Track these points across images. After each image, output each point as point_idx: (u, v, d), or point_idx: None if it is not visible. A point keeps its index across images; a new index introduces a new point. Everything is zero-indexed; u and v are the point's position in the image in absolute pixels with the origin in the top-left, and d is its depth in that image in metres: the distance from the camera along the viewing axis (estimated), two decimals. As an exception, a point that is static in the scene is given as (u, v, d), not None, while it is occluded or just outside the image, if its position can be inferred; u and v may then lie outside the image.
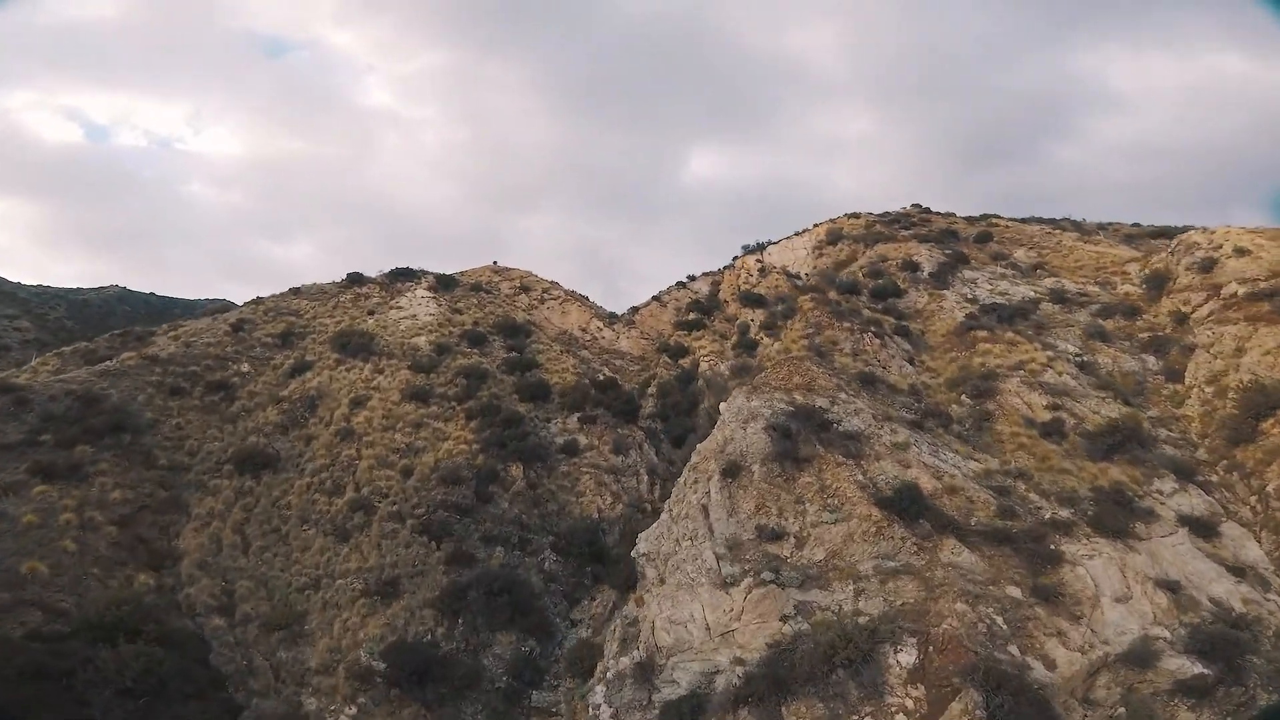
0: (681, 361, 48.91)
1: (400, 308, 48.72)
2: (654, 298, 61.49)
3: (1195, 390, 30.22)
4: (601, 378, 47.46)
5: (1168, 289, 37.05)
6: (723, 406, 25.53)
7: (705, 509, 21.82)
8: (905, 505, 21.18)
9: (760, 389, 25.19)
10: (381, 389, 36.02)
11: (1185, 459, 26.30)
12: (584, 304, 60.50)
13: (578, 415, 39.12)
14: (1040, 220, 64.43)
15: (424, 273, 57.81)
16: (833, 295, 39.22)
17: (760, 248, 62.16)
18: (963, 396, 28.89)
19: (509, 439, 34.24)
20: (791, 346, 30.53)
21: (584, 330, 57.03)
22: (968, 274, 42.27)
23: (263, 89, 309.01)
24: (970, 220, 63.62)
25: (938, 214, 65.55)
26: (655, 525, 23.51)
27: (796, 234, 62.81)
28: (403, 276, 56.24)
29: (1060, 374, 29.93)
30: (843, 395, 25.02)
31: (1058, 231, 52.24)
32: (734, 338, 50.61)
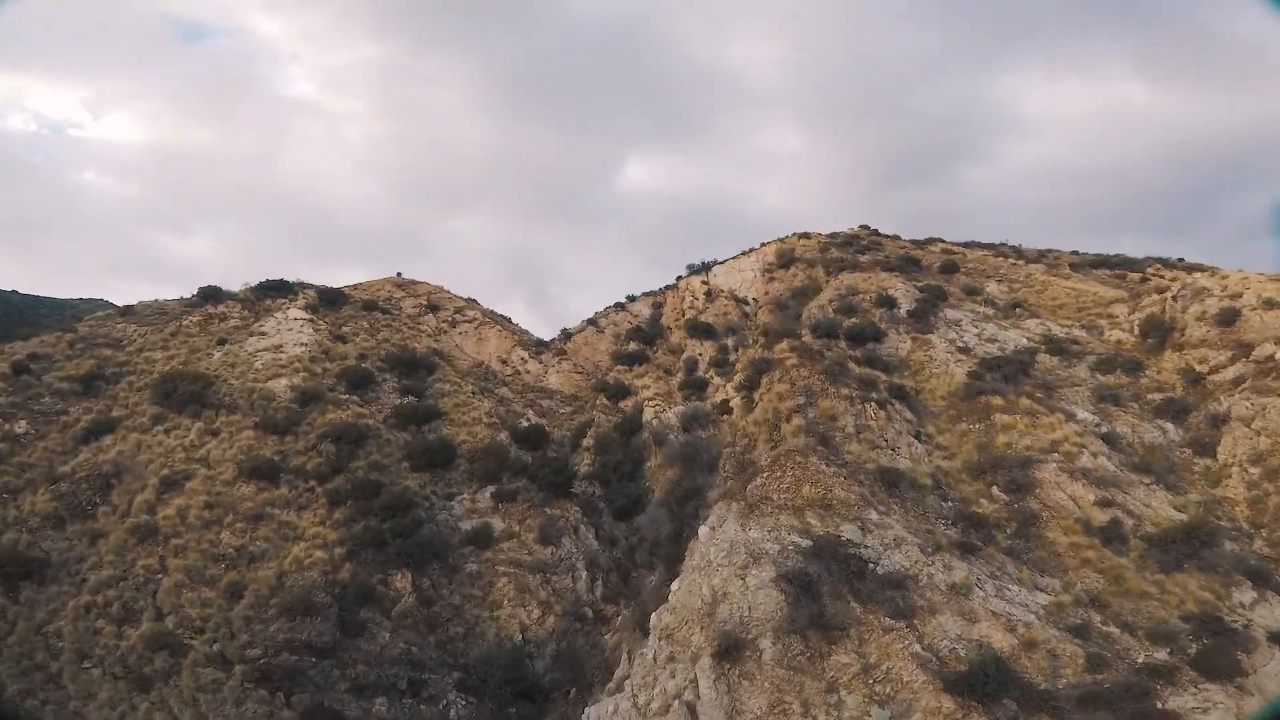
0: (622, 404, 41.86)
1: (264, 334, 38.23)
2: (589, 321, 54.04)
3: (1236, 470, 26.05)
4: (525, 424, 39.62)
5: (1173, 340, 33.19)
6: (704, 533, 18.60)
7: (692, 710, 14.87)
8: (984, 683, 15.12)
9: (758, 509, 18.47)
10: (211, 461, 26.72)
11: (1255, 560, 21.88)
12: (505, 328, 52.22)
13: (492, 489, 30.99)
14: (981, 245, 61.64)
15: (302, 286, 46.86)
16: (808, 340, 33.18)
17: (705, 268, 55.98)
18: (994, 489, 23.38)
19: (393, 533, 25.73)
20: (787, 433, 23.94)
21: (505, 362, 48.84)
22: (949, 313, 37.35)
23: (174, 75, 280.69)
24: (917, 243, 60.03)
25: (886, 236, 61.56)
26: (610, 709, 16.34)
27: (744, 253, 57.15)
28: (273, 291, 44.74)
29: (1096, 455, 25.01)
30: (872, 513, 18.74)
31: (1023, 263, 48.64)
32: (680, 374, 44.18)
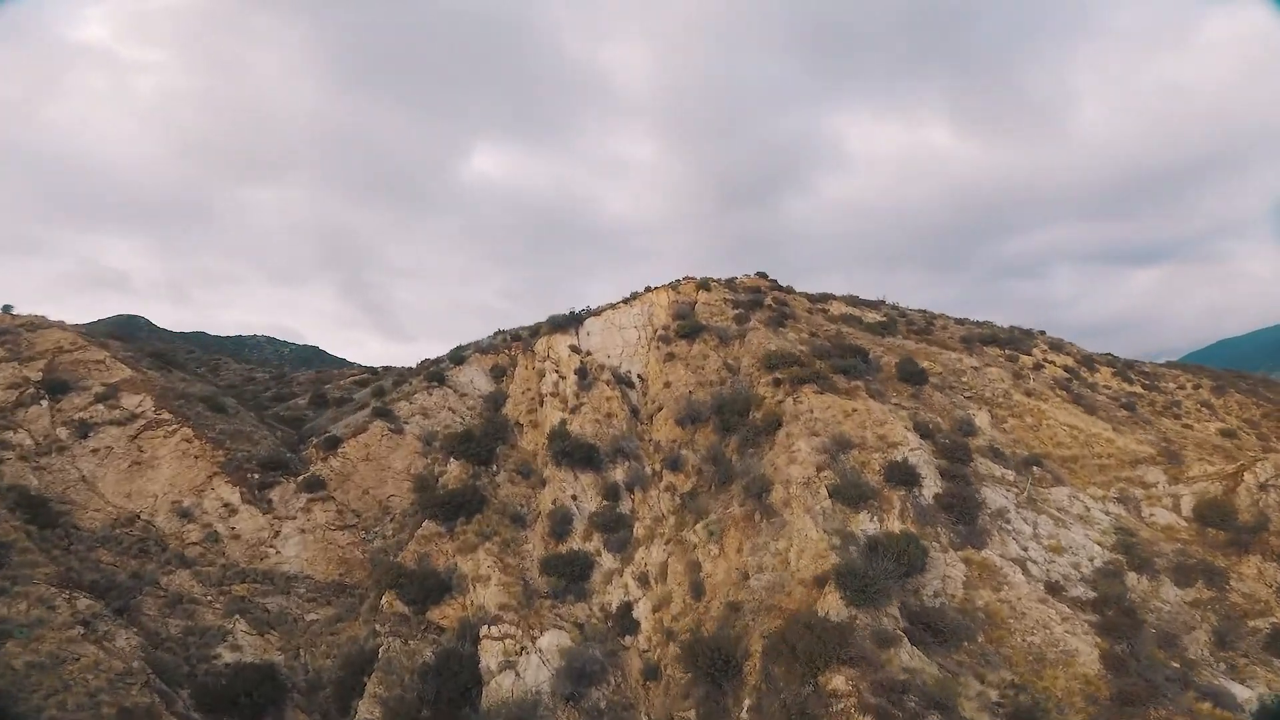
0: (437, 614, 22.84)
1: None
2: (378, 413, 33.69)
3: None
4: (219, 675, 19.52)
5: (1261, 542, 23.03)
6: None
7: None
8: None
9: None
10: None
11: None
12: (201, 432, 30.44)
13: None
14: (865, 302, 51.71)
15: None
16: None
17: (576, 320, 38.53)
18: None
19: None
20: None
21: (190, 514, 27.41)
22: (989, 496, 24.29)
23: None
24: (811, 299, 48.40)
25: (783, 288, 49.02)
26: None
27: (625, 301, 40.74)
28: None
29: None
30: None
31: (1009, 377, 37.76)
32: (540, 543, 25.87)
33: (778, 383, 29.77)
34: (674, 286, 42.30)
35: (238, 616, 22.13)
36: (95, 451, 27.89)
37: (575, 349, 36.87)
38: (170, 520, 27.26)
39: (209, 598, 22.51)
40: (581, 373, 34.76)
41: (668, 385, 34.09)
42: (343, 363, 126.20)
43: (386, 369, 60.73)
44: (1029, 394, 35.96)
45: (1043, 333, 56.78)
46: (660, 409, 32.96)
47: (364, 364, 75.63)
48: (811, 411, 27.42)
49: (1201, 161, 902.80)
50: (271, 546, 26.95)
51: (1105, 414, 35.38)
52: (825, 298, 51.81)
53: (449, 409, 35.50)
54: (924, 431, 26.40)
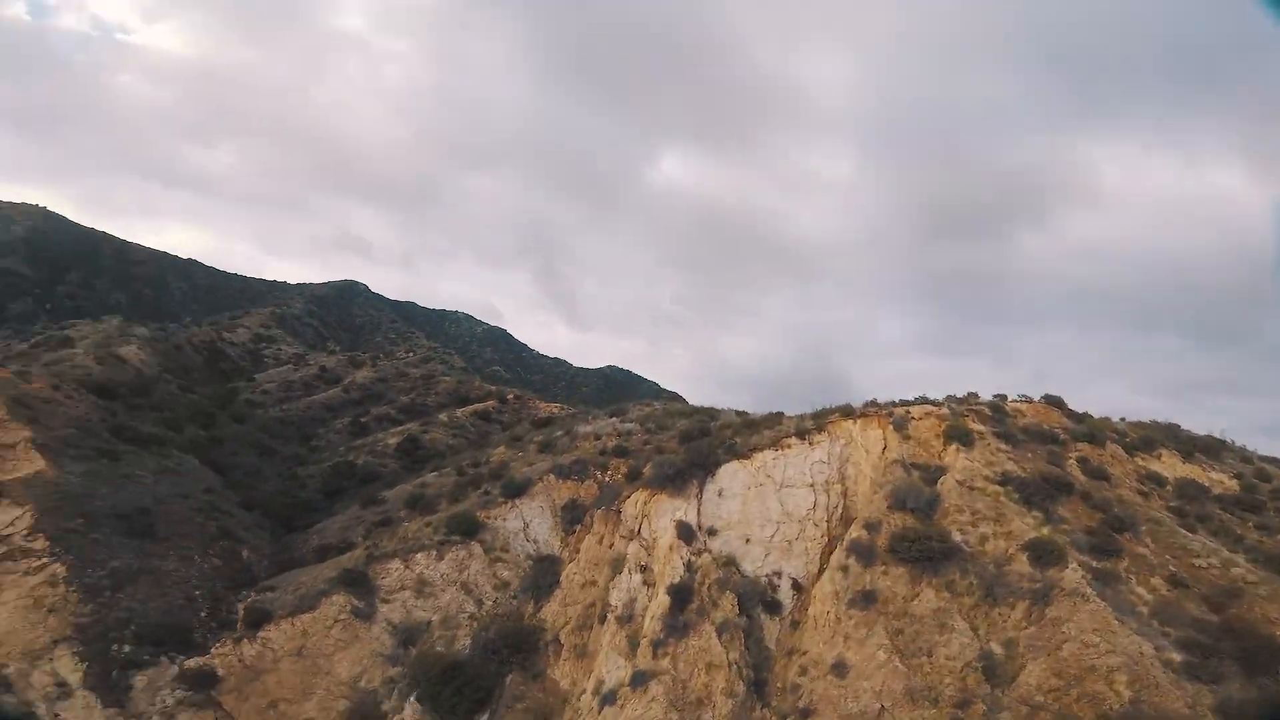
0: None
1: None
2: (346, 577, 19.78)
3: None
4: None
5: None
6: None
7: None
8: None
9: None
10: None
11: None
12: (76, 593, 19.15)
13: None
14: (1204, 446, 27.90)
15: None
16: None
17: (701, 467, 22.07)
18: None
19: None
20: None
21: (26, 680, 16.19)
22: None
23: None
24: (1123, 441, 26.36)
25: (1085, 424, 27.74)
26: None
27: (796, 435, 23.01)
28: None
29: None
30: None
31: None
32: None
33: None
34: (897, 422, 23.80)
35: None
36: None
37: (687, 527, 20.54)
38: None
39: None
40: (682, 591, 18.46)
41: (842, 673, 16.52)
42: (523, 348, 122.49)
43: (517, 397, 49.07)
44: None
45: None
46: (812, 714, 15.68)
47: (507, 384, 66.06)
48: None
49: None
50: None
51: None
52: (1147, 443, 29.23)
53: (464, 586, 21.45)
54: None
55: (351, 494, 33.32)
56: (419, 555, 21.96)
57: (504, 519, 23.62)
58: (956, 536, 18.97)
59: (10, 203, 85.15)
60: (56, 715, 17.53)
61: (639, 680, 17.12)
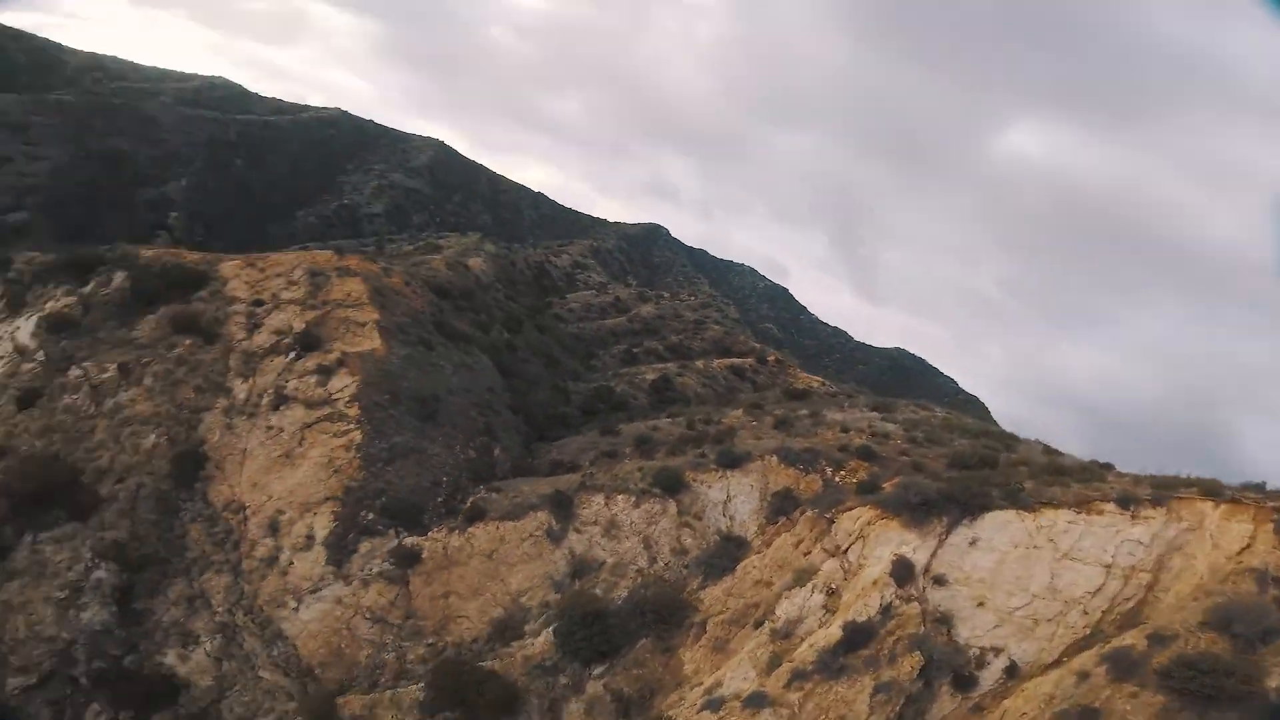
0: None
1: None
2: (555, 499, 20.74)
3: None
4: None
5: None
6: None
7: None
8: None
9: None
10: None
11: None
12: (357, 459, 22.86)
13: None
14: None
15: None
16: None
17: (959, 509, 17.76)
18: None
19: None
20: None
21: (286, 529, 20.13)
22: None
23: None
24: None
25: None
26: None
27: (1099, 499, 17.20)
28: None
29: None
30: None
31: None
32: None
33: None
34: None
35: None
36: (269, 429, 22.93)
37: (907, 566, 16.55)
38: (258, 528, 20.78)
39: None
40: (862, 633, 15.23)
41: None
42: (802, 310, 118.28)
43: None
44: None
45: None
46: None
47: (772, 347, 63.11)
48: None
49: None
50: (285, 605, 18.68)
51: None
52: None
53: (646, 540, 20.80)
54: None
55: (601, 418, 34.47)
56: (620, 497, 21.52)
57: (709, 486, 21.96)
58: (1272, 684, 12.15)
59: (421, 136, 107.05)
60: (292, 562, 20.69)
61: (754, 702, 14.56)
